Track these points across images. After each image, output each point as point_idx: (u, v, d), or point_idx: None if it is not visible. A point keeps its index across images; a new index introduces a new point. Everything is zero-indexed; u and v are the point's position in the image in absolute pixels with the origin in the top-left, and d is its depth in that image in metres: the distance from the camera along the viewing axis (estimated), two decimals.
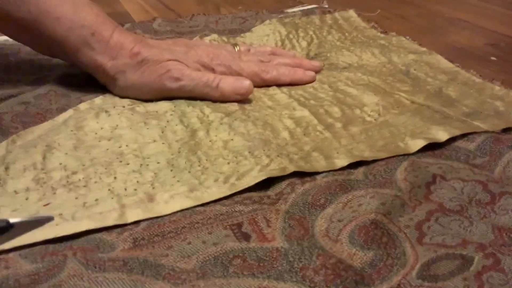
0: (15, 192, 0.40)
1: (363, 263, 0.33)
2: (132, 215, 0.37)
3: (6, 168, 0.43)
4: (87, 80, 0.59)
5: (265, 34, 0.79)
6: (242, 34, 0.79)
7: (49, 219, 0.27)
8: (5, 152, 0.45)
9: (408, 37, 0.77)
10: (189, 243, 0.35)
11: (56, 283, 0.30)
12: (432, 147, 0.47)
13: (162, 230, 0.36)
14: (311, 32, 0.79)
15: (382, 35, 0.79)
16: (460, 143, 0.48)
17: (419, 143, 0.47)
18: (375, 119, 0.53)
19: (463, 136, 0.49)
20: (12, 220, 0.25)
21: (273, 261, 0.33)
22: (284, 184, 0.42)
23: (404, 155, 0.46)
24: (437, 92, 0.59)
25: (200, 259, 0.33)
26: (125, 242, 0.35)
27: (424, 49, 0.72)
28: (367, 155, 0.45)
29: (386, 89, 0.59)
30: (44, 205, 0.38)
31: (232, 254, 0.34)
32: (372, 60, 0.69)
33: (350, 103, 0.56)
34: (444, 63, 0.68)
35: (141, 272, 0.32)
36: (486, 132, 0.49)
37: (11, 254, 0.33)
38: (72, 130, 0.49)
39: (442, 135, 0.48)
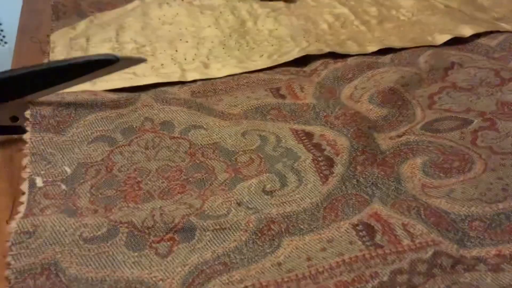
0: None
1: (377, 117, 0.40)
2: (190, 75, 0.46)
3: (87, 39, 0.51)
4: None
5: None
6: None
7: (142, 60, 0.38)
8: (85, 28, 0.54)
9: None
10: (236, 97, 0.43)
11: (132, 108, 0.39)
12: (457, 43, 0.52)
13: (215, 87, 0.44)
14: None
15: None
16: (483, 40, 0.53)
17: (445, 37, 0.52)
18: (408, 18, 0.58)
19: (486, 34, 0.53)
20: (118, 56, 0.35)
21: (303, 112, 0.41)
22: (318, 62, 0.49)
23: (430, 46, 0.51)
24: (472, 0, 0.63)
25: (244, 108, 0.41)
26: (185, 93, 0.43)
27: None
28: (396, 44, 0.51)
29: None
30: None
31: (270, 106, 0.41)
32: None
33: (387, 5, 0.61)
34: None
35: (197, 109, 0.40)
36: (509, 32, 0.54)
37: (98, 91, 0.42)
38: (139, 15, 0.57)
39: (467, 31, 0.53)
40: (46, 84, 0.37)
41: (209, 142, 0.37)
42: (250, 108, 0.41)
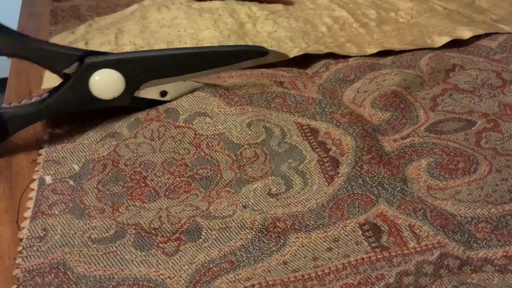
0: None
1: (380, 121, 0.40)
2: None
3: (86, 43, 0.51)
4: None
5: None
6: None
7: (286, 56, 0.43)
8: (84, 32, 0.54)
9: None
10: (241, 80, 0.43)
11: None
12: (457, 44, 0.52)
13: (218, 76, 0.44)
14: None
15: None
16: (483, 42, 0.53)
17: (444, 39, 0.52)
18: (407, 21, 0.58)
19: (486, 36, 0.53)
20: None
21: (308, 105, 0.40)
22: (320, 64, 0.48)
23: (430, 48, 0.51)
24: (470, 2, 0.63)
25: (248, 92, 0.41)
26: None
27: None
28: (396, 46, 0.51)
29: None
30: None
31: (274, 94, 0.41)
32: None
33: (386, 8, 0.61)
34: None
35: (202, 89, 0.40)
36: (508, 33, 0.54)
37: None
38: (138, 19, 0.57)
39: (466, 33, 0.53)
40: (197, 67, 0.39)
41: (214, 132, 0.37)
42: (255, 92, 0.41)
